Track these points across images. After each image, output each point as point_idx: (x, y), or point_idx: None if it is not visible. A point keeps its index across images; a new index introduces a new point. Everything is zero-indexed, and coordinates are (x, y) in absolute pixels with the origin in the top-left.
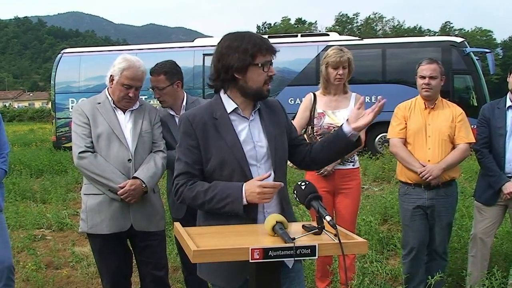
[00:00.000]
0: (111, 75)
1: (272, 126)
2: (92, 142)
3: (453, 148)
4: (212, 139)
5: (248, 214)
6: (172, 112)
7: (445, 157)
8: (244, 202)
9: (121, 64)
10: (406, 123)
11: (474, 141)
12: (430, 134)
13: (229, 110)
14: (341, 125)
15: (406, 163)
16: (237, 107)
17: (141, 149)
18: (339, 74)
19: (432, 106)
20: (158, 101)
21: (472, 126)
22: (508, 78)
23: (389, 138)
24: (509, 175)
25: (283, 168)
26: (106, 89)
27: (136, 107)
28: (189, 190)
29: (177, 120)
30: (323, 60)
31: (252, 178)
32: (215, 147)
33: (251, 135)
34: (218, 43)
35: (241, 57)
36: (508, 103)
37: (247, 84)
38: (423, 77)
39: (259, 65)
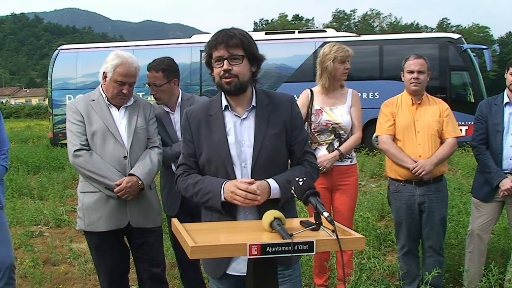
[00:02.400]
0: (104, 72)
1: (265, 126)
2: (87, 140)
3: (441, 143)
4: (204, 135)
5: (228, 211)
6: (167, 109)
7: (435, 152)
8: (222, 199)
9: (114, 60)
10: (394, 120)
11: (461, 135)
12: (419, 129)
13: (223, 107)
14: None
15: (397, 159)
16: (227, 105)
17: (137, 145)
18: (345, 68)
19: (419, 102)
20: (154, 98)
21: (469, 123)
22: (505, 75)
23: (377, 135)
24: (507, 171)
25: (267, 170)
26: (100, 86)
27: (130, 103)
28: (183, 182)
29: (171, 117)
30: (328, 56)
31: (235, 177)
32: (206, 143)
33: (240, 134)
34: None
35: (205, 55)
36: (506, 100)
37: (215, 81)
38: (412, 72)
39: (214, 62)
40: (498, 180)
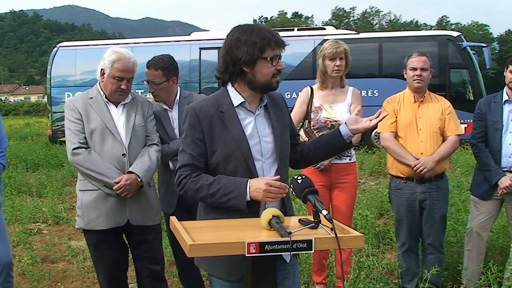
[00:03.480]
0: (101, 69)
1: (277, 122)
2: (85, 138)
3: (443, 140)
4: (218, 132)
5: (251, 209)
6: (165, 106)
7: (437, 150)
8: (248, 198)
9: (111, 56)
10: (396, 117)
11: (463, 133)
12: (421, 127)
13: (235, 103)
14: (338, 127)
15: (399, 156)
16: (244, 101)
17: (135, 143)
18: (336, 66)
19: (422, 99)
20: (152, 95)
21: (469, 121)
22: (505, 72)
23: (379, 132)
24: (505, 169)
25: (286, 165)
26: (98, 83)
27: (128, 101)
28: (193, 183)
29: (170, 114)
30: (320, 54)
31: (257, 173)
32: (221, 141)
33: (257, 129)
34: (227, 36)
35: (250, 50)
36: (505, 97)
37: (255, 78)
38: (414, 69)
39: (268, 59)
40: (497, 178)
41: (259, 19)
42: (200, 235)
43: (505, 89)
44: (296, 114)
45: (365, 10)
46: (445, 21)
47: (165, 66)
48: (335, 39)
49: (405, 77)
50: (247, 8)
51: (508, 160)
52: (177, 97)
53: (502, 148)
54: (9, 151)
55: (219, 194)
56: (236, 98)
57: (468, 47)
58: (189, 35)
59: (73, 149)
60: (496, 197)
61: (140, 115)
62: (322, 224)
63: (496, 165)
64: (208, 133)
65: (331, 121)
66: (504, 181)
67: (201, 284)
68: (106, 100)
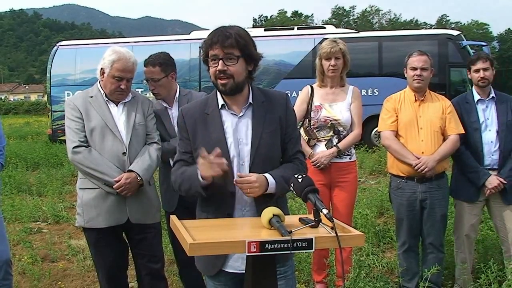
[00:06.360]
0: (101, 68)
1: (262, 124)
2: (85, 136)
3: (444, 139)
4: (200, 133)
5: (224, 209)
6: (165, 104)
7: (438, 149)
8: (200, 178)
9: (111, 56)
10: (397, 116)
11: (464, 132)
12: (422, 126)
13: (220, 105)
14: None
15: (399, 155)
16: (224, 103)
17: (135, 141)
18: (331, 65)
19: (422, 98)
20: (152, 93)
21: None
22: (469, 74)
23: (380, 131)
24: (489, 167)
25: (264, 167)
26: (98, 82)
27: (128, 99)
28: (174, 175)
29: (169, 112)
30: (318, 53)
31: (233, 175)
32: (202, 142)
33: (237, 132)
34: None
35: (203, 53)
36: (477, 97)
37: (211, 79)
38: (415, 69)
39: (210, 60)
40: (484, 179)
41: (259, 18)
42: (200, 234)
43: (475, 89)
44: (296, 113)
45: (365, 9)
46: (445, 20)
47: (162, 62)
48: (334, 38)
49: (405, 75)
50: (247, 7)
51: (492, 158)
52: (177, 95)
53: (484, 147)
54: (9, 150)
55: (185, 182)
56: (220, 99)
57: (468, 46)
58: (189, 34)
59: (73, 148)
60: (481, 199)
61: (141, 114)
62: (322, 223)
63: (480, 164)
64: (192, 134)
65: (331, 120)
66: (492, 181)
67: (201, 282)
68: (106, 99)
